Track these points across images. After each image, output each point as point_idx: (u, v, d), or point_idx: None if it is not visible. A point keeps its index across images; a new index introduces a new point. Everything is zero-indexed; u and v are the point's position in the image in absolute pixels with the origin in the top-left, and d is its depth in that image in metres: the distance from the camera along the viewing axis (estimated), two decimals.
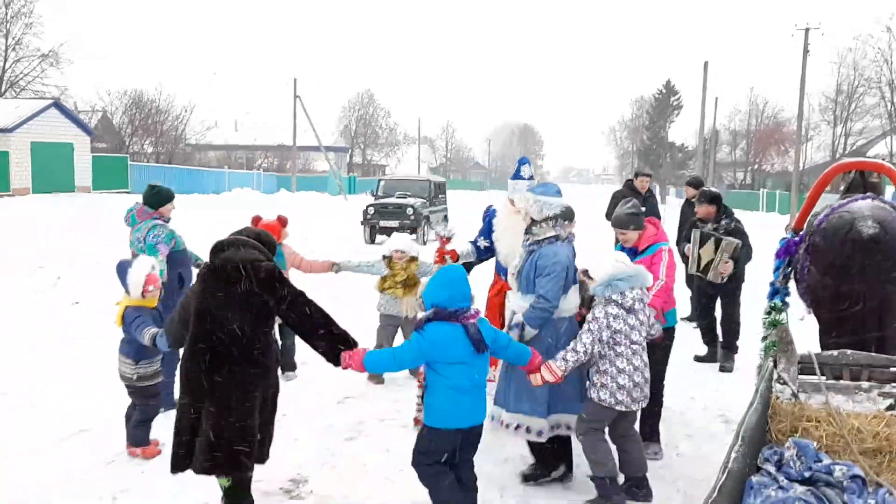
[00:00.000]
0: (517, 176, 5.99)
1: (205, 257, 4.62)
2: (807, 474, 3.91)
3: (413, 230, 21.54)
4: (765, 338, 5.38)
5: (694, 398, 6.80)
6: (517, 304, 4.97)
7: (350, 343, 4.19)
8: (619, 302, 4.61)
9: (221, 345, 4.10)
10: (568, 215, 4.98)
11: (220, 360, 4.10)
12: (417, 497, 4.67)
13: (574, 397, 4.84)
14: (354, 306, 8.69)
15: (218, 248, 4.31)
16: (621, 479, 4.77)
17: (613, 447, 4.80)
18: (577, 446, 4.92)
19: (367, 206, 22.25)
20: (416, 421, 6.01)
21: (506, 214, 5.91)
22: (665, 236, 5.43)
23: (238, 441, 4.09)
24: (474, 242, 6.30)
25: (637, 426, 5.07)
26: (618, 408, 4.63)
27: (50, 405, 6.22)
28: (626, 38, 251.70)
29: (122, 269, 5.26)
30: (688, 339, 8.65)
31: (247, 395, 4.13)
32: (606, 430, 4.79)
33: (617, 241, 5.67)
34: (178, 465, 4.18)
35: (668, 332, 5.43)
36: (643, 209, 6.07)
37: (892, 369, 4.56)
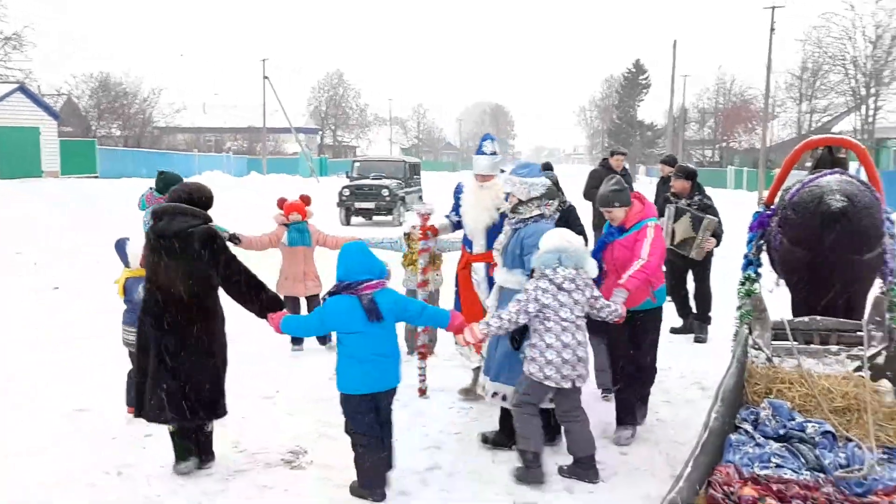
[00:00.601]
0: (480, 151, 6.20)
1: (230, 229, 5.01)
2: (781, 432, 4.19)
3: (389, 211, 21.66)
4: (740, 307, 5.66)
5: (671, 367, 7.07)
6: (503, 277, 5.20)
7: (280, 305, 4.73)
8: (551, 278, 4.66)
9: (168, 305, 4.56)
10: (551, 195, 5.20)
11: (168, 319, 4.56)
12: (415, 465, 4.90)
13: None
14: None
15: (156, 217, 4.72)
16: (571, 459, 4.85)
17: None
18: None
19: (343, 188, 22.29)
20: (421, 391, 6.23)
21: (472, 189, 6.11)
22: (652, 211, 5.39)
23: (185, 392, 4.58)
24: (450, 217, 6.50)
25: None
26: (547, 383, 4.66)
27: (49, 404, 6.27)
28: (595, 18, 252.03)
29: (121, 245, 5.51)
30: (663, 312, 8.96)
31: (193, 351, 4.59)
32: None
33: (595, 219, 5.89)
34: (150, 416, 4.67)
35: (656, 312, 5.53)
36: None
37: (859, 333, 4.84)
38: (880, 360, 4.68)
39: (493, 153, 6.13)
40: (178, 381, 4.57)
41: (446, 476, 4.78)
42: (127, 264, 5.51)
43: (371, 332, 4.35)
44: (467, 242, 6.20)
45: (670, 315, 8.69)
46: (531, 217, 5.13)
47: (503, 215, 5.64)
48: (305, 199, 7.61)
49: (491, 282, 5.71)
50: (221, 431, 5.15)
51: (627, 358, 5.43)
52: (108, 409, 5.88)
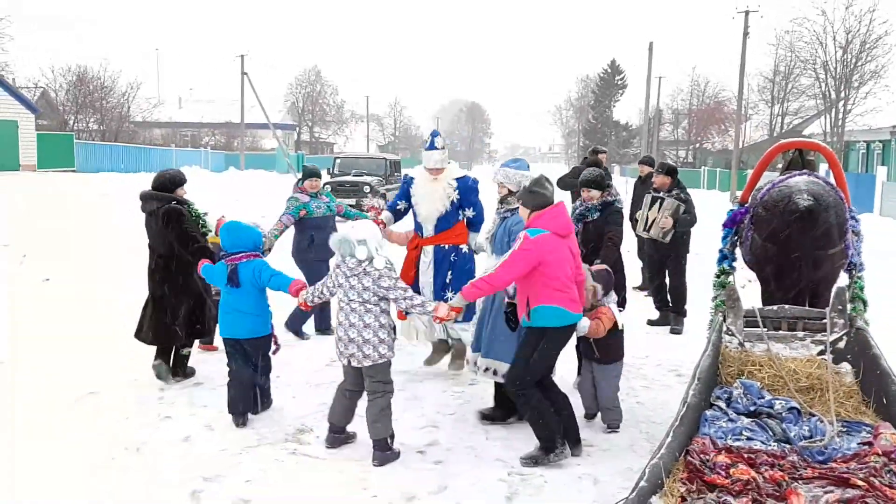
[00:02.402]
0: (432, 147, 6.63)
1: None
2: (752, 408, 4.62)
3: None
4: (715, 297, 6.09)
5: (648, 356, 7.50)
6: (491, 264, 5.61)
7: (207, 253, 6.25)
8: (344, 262, 4.98)
9: (160, 264, 6.41)
10: None
11: (162, 272, 6.39)
12: (414, 442, 5.26)
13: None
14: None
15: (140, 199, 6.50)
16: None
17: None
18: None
19: (324, 184, 22.48)
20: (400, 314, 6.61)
21: (424, 182, 6.68)
22: (552, 224, 4.84)
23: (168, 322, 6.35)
24: (391, 207, 6.93)
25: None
26: (339, 358, 5.04)
27: (60, 390, 6.54)
28: (572, 18, 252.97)
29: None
30: (641, 306, 9.42)
31: (182, 291, 6.39)
32: None
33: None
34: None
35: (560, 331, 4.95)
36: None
37: (823, 321, 5.28)
38: (841, 344, 5.12)
39: (443, 147, 6.66)
40: (163, 314, 6.34)
41: (444, 451, 5.14)
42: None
43: (230, 291, 5.58)
44: (418, 227, 6.74)
45: (647, 307, 9.16)
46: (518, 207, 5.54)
47: (453, 203, 6.54)
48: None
49: (438, 262, 6.58)
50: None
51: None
52: (116, 392, 6.19)
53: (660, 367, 7.24)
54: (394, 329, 5.08)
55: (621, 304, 6.23)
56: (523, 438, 5.25)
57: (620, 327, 5.40)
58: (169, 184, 6.49)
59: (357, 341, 4.87)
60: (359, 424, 5.23)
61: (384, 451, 4.94)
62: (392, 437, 5.02)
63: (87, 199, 22.13)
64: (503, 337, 5.44)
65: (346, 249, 4.93)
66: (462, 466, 4.92)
